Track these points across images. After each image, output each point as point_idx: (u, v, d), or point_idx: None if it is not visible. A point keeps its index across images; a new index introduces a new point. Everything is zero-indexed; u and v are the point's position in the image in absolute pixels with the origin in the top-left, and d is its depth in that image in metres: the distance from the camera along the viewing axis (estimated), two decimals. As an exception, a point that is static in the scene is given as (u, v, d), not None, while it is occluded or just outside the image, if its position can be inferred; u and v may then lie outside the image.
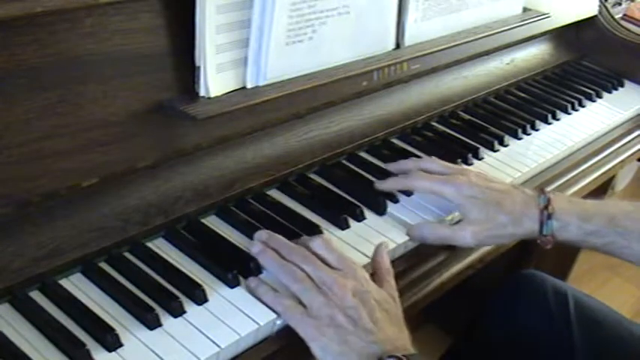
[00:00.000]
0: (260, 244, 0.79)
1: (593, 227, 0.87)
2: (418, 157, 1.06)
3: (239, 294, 0.76)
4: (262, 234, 0.81)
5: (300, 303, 0.73)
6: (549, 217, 0.86)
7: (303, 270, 0.75)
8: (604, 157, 1.25)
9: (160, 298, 0.73)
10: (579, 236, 0.88)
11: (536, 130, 1.22)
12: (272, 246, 0.79)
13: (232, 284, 0.76)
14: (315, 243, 0.78)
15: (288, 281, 0.75)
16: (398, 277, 0.86)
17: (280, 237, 0.80)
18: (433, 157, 0.99)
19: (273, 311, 0.74)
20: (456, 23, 1.14)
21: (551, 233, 0.87)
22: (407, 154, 1.07)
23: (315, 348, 0.71)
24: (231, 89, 0.85)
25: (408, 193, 0.96)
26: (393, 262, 0.87)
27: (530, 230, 0.87)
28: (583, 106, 1.34)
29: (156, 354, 0.67)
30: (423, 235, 0.89)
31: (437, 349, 1.23)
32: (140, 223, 0.80)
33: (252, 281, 0.76)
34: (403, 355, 0.68)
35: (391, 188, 0.95)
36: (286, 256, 0.77)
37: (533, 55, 1.42)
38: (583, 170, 1.17)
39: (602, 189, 1.51)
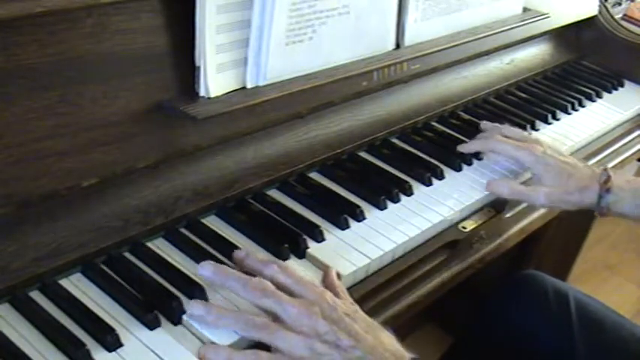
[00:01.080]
0: (201, 307, 0.70)
1: None
2: (419, 156, 1.06)
3: (239, 294, 0.76)
4: (206, 268, 0.73)
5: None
6: (607, 191, 0.96)
7: (262, 307, 0.70)
8: (604, 157, 1.25)
9: (160, 298, 0.73)
10: (632, 210, 0.97)
11: (536, 130, 1.22)
12: (218, 280, 0.72)
13: (232, 284, 0.76)
14: (270, 269, 0.73)
15: (252, 333, 0.68)
16: (398, 277, 0.87)
17: (227, 269, 0.73)
18: (508, 126, 1.10)
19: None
20: (456, 23, 1.14)
21: (607, 206, 0.97)
22: (407, 154, 1.07)
23: None
24: (231, 89, 0.85)
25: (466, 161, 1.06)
26: (392, 262, 0.87)
27: (591, 201, 0.97)
28: (583, 106, 1.34)
29: (156, 354, 0.67)
30: (502, 190, 1.00)
31: (437, 349, 1.23)
32: (140, 223, 0.79)
33: (209, 350, 0.68)
34: None
35: (475, 149, 1.07)
36: (241, 292, 0.71)
37: (533, 55, 1.42)
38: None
39: (602, 189, 1.51)
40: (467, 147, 1.07)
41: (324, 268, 0.80)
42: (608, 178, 0.97)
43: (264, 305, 0.70)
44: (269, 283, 0.71)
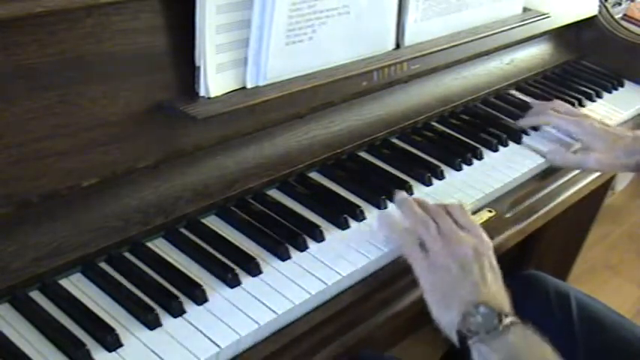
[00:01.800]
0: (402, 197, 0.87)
1: None
2: (419, 156, 1.06)
3: (239, 294, 0.76)
4: (400, 195, 0.89)
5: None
6: None
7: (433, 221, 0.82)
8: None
9: (160, 298, 0.73)
10: None
11: (537, 130, 1.22)
12: (409, 203, 0.85)
13: (232, 284, 0.76)
14: (452, 206, 0.86)
15: (416, 224, 0.82)
16: (399, 276, 0.86)
17: (418, 198, 0.89)
18: (557, 101, 1.22)
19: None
20: (456, 23, 1.14)
21: None
22: (407, 154, 1.07)
23: (424, 283, 0.78)
24: (231, 89, 0.85)
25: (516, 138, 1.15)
26: (393, 261, 0.87)
27: (637, 162, 1.06)
28: (583, 106, 1.34)
29: (156, 354, 0.67)
30: (556, 159, 1.10)
31: (437, 349, 1.23)
32: (140, 223, 0.79)
33: (381, 220, 0.85)
34: (499, 309, 0.72)
35: (533, 124, 1.18)
36: (421, 209, 0.84)
37: (533, 55, 1.42)
38: (583, 170, 1.17)
39: (602, 189, 1.51)
40: (524, 122, 1.18)
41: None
42: None
43: (438, 220, 0.82)
44: (444, 212, 0.84)
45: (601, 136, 1.10)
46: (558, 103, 1.20)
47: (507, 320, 0.71)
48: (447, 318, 0.75)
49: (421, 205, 0.86)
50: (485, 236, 0.83)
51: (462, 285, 0.76)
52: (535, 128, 1.19)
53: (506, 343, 0.70)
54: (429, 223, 0.82)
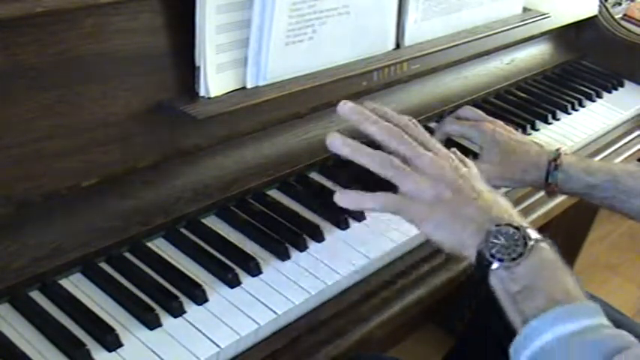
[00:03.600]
0: (338, 137, 0.75)
1: (596, 181, 0.94)
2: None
3: (239, 294, 0.76)
4: (346, 105, 0.76)
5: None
6: (556, 168, 0.95)
7: (396, 152, 0.73)
8: (604, 157, 1.25)
9: (160, 298, 0.73)
10: (582, 189, 0.95)
11: (536, 130, 1.22)
12: (356, 119, 0.75)
13: (232, 284, 0.76)
14: (404, 121, 0.76)
15: (387, 170, 0.72)
16: (399, 276, 0.86)
17: (366, 111, 0.76)
18: (469, 106, 1.09)
19: (273, 311, 0.74)
20: (456, 23, 1.14)
21: (556, 183, 0.95)
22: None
23: (427, 227, 0.72)
24: (231, 89, 0.85)
25: None
26: (393, 261, 0.87)
27: (537, 178, 0.96)
28: (583, 106, 1.34)
29: (156, 354, 0.67)
30: None
31: (437, 350, 1.23)
32: (140, 223, 0.79)
33: (342, 196, 0.74)
34: (520, 227, 0.69)
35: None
36: (377, 134, 0.74)
37: (533, 55, 1.42)
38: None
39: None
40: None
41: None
42: (559, 155, 0.96)
43: (398, 148, 0.73)
44: (405, 135, 0.74)
45: (500, 144, 0.97)
46: (467, 108, 1.08)
47: (531, 242, 0.68)
48: (464, 240, 0.70)
49: (374, 127, 0.75)
50: (444, 149, 0.76)
51: (465, 208, 0.71)
52: None
53: (528, 270, 0.67)
54: (394, 163, 0.72)
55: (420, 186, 0.72)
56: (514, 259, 0.67)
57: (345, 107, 0.76)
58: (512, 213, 0.72)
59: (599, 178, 0.95)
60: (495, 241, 0.68)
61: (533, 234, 0.69)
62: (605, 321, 0.64)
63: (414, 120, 0.77)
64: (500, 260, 0.67)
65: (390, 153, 0.74)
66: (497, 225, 0.69)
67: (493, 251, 0.68)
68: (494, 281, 0.68)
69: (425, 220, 0.72)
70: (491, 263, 0.67)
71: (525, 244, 0.68)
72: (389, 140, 0.74)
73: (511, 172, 0.97)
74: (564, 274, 0.68)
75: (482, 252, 0.68)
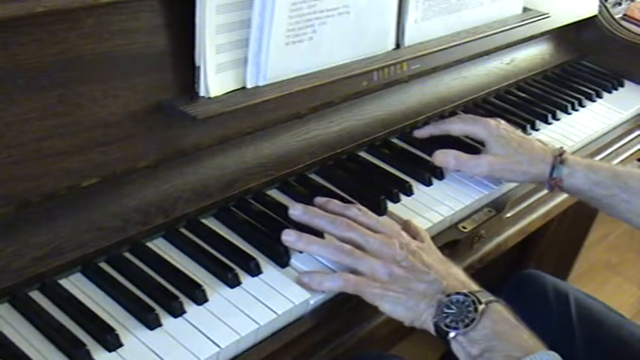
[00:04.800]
0: (293, 234, 0.80)
1: (599, 178, 0.96)
2: (419, 156, 1.06)
3: (239, 294, 0.76)
4: (297, 208, 0.83)
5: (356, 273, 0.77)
6: (561, 162, 0.97)
7: (347, 240, 0.79)
8: (604, 157, 1.25)
9: (160, 298, 0.73)
10: (585, 185, 0.97)
11: (536, 130, 1.22)
12: (307, 219, 0.82)
13: (232, 284, 0.76)
14: (353, 212, 0.83)
15: (340, 257, 0.78)
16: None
17: (315, 209, 0.83)
18: (462, 113, 1.15)
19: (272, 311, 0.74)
20: (456, 23, 1.14)
21: (560, 177, 0.97)
22: (407, 154, 1.07)
23: (384, 305, 0.75)
24: (231, 89, 0.85)
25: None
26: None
27: (542, 172, 0.97)
28: (583, 106, 1.34)
29: (156, 354, 0.67)
30: (448, 161, 0.99)
31: (437, 350, 1.23)
32: (140, 223, 0.79)
33: (304, 276, 0.78)
34: (470, 293, 0.73)
35: (428, 134, 1.07)
36: (328, 227, 0.81)
37: (533, 55, 1.42)
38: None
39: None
40: (421, 132, 1.08)
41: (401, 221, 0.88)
42: (563, 151, 0.98)
43: (349, 237, 0.79)
44: (351, 222, 0.80)
45: (505, 138, 1.00)
46: (462, 115, 1.13)
47: (481, 306, 0.72)
48: (420, 315, 0.74)
49: (322, 222, 0.81)
50: (395, 227, 0.82)
51: (417, 284, 0.75)
52: None
53: (483, 333, 0.71)
54: (344, 249, 0.78)
55: (373, 267, 0.76)
56: (467, 325, 0.71)
57: (296, 211, 0.83)
58: (463, 280, 0.77)
59: (602, 175, 0.96)
60: (448, 310, 0.73)
61: (484, 297, 0.73)
62: None
63: (360, 207, 0.84)
64: (455, 329, 0.71)
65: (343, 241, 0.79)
66: (447, 295, 0.73)
67: (447, 321, 0.72)
68: (455, 347, 0.72)
69: (382, 298, 0.75)
70: (448, 333, 0.72)
71: (476, 309, 0.72)
72: (339, 230, 0.80)
73: (516, 164, 0.98)
74: (519, 330, 0.72)
75: (438, 323, 0.73)
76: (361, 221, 0.81)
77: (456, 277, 0.77)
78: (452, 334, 0.72)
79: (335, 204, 0.85)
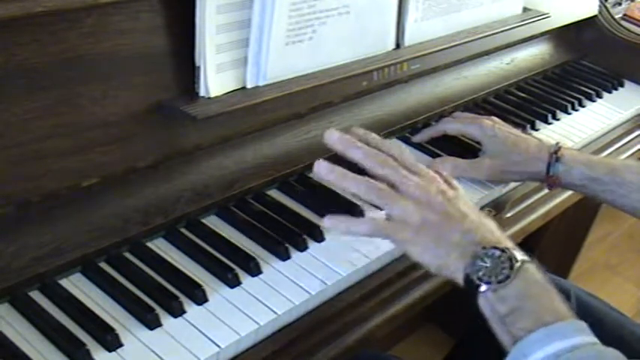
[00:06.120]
0: (326, 165, 0.75)
1: (596, 174, 0.95)
2: (417, 158, 1.06)
3: (239, 294, 0.76)
4: (333, 133, 0.77)
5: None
6: (557, 159, 0.96)
7: (382, 177, 0.75)
8: (604, 156, 1.25)
9: (160, 298, 0.73)
10: (582, 181, 0.96)
11: (536, 130, 1.22)
12: (343, 147, 0.76)
13: (232, 284, 0.76)
14: (392, 148, 0.78)
15: (372, 196, 0.74)
16: (400, 276, 0.86)
17: (352, 138, 0.77)
18: (458, 112, 1.14)
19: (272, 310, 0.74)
20: (456, 23, 1.14)
21: (557, 175, 0.96)
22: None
23: (412, 250, 0.73)
24: (231, 89, 0.85)
25: None
26: (393, 261, 0.87)
27: (539, 170, 0.97)
28: (583, 106, 1.34)
29: (156, 354, 0.67)
30: (446, 167, 0.96)
31: (437, 350, 1.23)
32: (140, 223, 0.79)
33: (327, 220, 0.75)
34: (506, 248, 0.70)
35: (428, 137, 1.07)
36: (363, 160, 0.76)
37: (533, 55, 1.42)
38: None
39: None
40: (420, 136, 1.08)
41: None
42: (559, 148, 0.97)
43: (384, 174, 0.75)
44: (388, 158, 0.76)
45: (500, 138, 0.99)
46: (457, 113, 1.13)
47: (517, 264, 0.69)
48: (449, 265, 0.72)
49: (358, 153, 0.76)
50: (432, 173, 0.78)
51: (450, 232, 0.72)
52: None
53: (515, 291, 0.68)
54: (378, 188, 0.74)
55: (406, 210, 0.73)
56: (501, 282, 0.68)
57: (333, 136, 0.77)
58: (498, 235, 0.74)
59: (600, 170, 0.96)
60: (482, 263, 0.70)
61: (520, 255, 0.71)
62: (593, 338, 0.66)
63: (401, 145, 0.79)
64: (487, 283, 0.69)
65: (376, 179, 0.75)
66: (483, 248, 0.71)
67: (480, 274, 0.69)
68: (482, 303, 0.70)
69: (411, 243, 0.73)
70: (479, 286, 0.69)
71: (512, 266, 0.69)
72: (375, 166, 0.75)
73: (513, 164, 0.98)
74: (551, 294, 0.69)
75: (470, 275, 0.70)
76: (399, 159, 0.77)
77: (491, 229, 0.74)
78: (483, 288, 0.69)
79: (374, 137, 0.80)
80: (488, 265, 0.69)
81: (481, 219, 0.75)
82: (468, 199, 0.78)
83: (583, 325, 0.66)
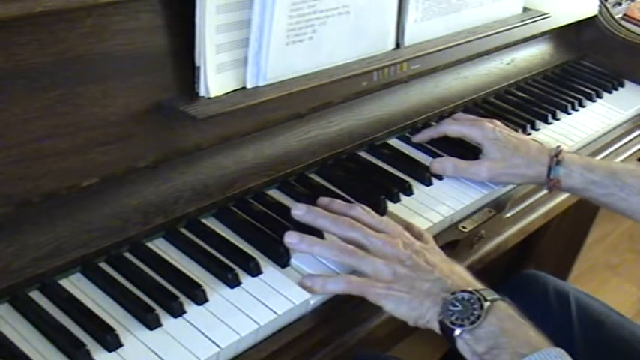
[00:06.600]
0: (295, 235, 0.80)
1: (596, 177, 0.96)
2: (417, 158, 1.06)
3: (239, 294, 0.76)
4: (300, 208, 0.83)
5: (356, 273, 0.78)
6: (557, 163, 0.97)
7: (350, 240, 0.79)
8: (604, 157, 1.25)
9: (159, 298, 0.73)
10: (582, 184, 0.97)
11: (536, 130, 1.22)
12: (310, 219, 0.82)
13: (232, 284, 0.76)
14: (357, 211, 0.83)
15: (343, 258, 0.78)
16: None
17: (318, 209, 0.83)
18: (459, 113, 1.15)
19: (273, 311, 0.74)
20: (456, 23, 1.14)
21: (557, 178, 0.97)
22: (407, 154, 1.07)
23: (388, 305, 0.75)
24: (231, 89, 0.85)
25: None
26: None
27: (539, 173, 0.98)
28: (583, 106, 1.34)
29: (156, 354, 0.67)
30: (446, 168, 1.00)
31: (437, 350, 1.23)
32: (140, 223, 0.79)
33: (307, 279, 0.78)
34: (475, 290, 0.73)
35: (428, 137, 1.08)
36: (331, 227, 0.81)
37: (533, 55, 1.42)
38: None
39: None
40: (420, 137, 1.09)
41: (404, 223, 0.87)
42: (559, 151, 0.98)
43: (352, 237, 0.79)
44: (355, 222, 0.80)
45: (501, 141, 1.00)
46: (459, 114, 1.14)
47: (487, 304, 0.72)
48: (424, 314, 0.74)
49: (325, 222, 0.81)
50: (399, 228, 0.82)
51: (420, 282, 0.75)
52: None
53: (489, 329, 0.71)
54: (348, 249, 0.78)
55: (377, 267, 0.76)
56: (473, 323, 0.71)
57: (300, 211, 0.82)
58: (468, 279, 0.77)
59: (599, 174, 0.96)
60: (453, 308, 0.72)
61: (489, 295, 0.73)
62: None
63: (363, 207, 0.84)
64: (460, 326, 0.71)
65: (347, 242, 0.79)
66: (452, 293, 0.73)
67: (452, 318, 0.72)
68: (460, 346, 0.72)
69: (385, 298, 0.75)
70: (453, 330, 0.72)
71: (482, 306, 0.72)
72: (342, 230, 0.80)
73: (514, 167, 0.99)
74: (524, 327, 0.72)
75: (444, 320, 0.73)
76: (364, 221, 0.82)
77: (461, 275, 0.77)
78: (457, 332, 0.71)
79: (338, 204, 0.85)
80: (459, 308, 0.72)
81: (451, 266, 0.78)
82: (438, 250, 0.82)
83: (560, 351, 0.69)
